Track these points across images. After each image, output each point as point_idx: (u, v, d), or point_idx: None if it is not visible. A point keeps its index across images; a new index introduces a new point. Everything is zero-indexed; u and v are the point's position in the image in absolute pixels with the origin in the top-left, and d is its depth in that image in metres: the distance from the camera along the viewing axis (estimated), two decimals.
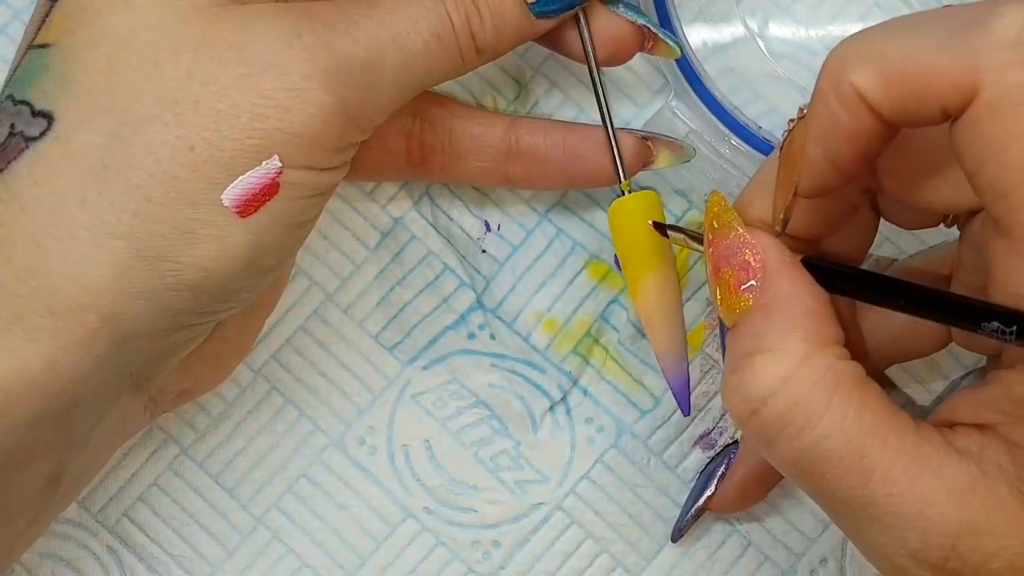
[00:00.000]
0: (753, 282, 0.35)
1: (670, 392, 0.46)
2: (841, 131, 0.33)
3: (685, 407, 0.44)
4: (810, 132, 0.34)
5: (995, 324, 0.32)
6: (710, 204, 0.37)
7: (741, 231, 0.36)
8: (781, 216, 0.36)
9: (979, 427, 0.34)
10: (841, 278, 0.36)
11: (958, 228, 0.39)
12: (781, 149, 0.36)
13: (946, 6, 0.33)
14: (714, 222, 0.37)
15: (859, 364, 0.35)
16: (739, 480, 0.44)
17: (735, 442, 0.45)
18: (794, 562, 0.47)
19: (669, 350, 0.43)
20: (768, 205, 0.37)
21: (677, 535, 0.46)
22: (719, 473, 0.45)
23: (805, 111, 0.35)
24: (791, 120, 0.36)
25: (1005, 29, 0.30)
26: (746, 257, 0.36)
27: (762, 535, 0.47)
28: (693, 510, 0.45)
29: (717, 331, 0.47)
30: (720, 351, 0.47)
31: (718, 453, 0.46)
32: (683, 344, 0.44)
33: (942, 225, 0.39)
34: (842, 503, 0.34)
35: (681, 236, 0.40)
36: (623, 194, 0.43)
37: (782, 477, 0.44)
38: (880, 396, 0.34)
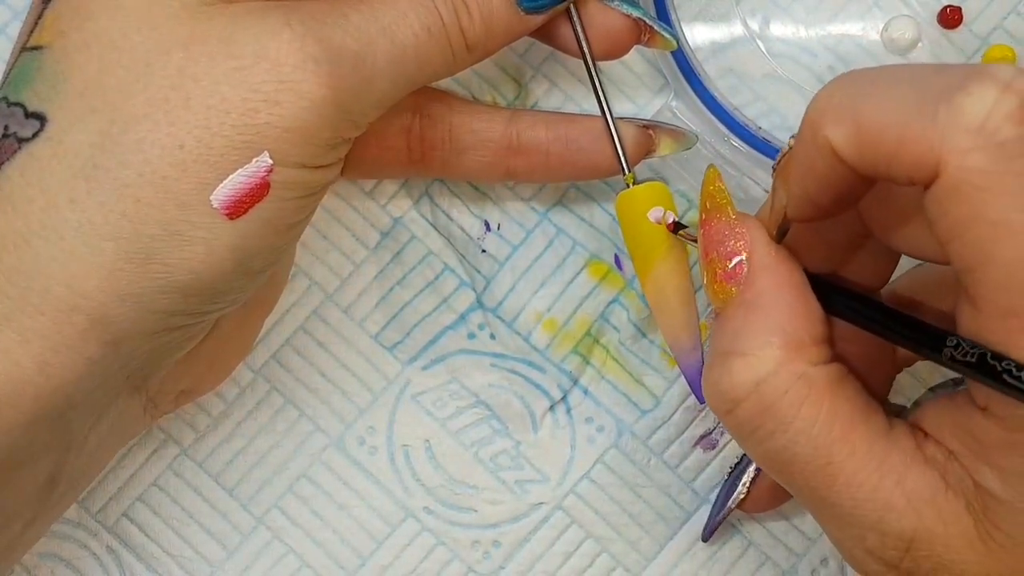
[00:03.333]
0: (740, 271, 0.36)
1: (670, 392, 0.47)
2: (818, 177, 0.34)
3: (699, 393, 0.44)
4: (792, 171, 0.35)
5: (956, 352, 0.32)
6: (706, 179, 0.37)
7: (733, 217, 0.36)
8: (776, 227, 0.37)
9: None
10: (838, 296, 0.36)
11: None
12: (774, 170, 0.36)
13: (925, 65, 0.33)
14: (707, 202, 0.37)
15: (838, 365, 0.35)
16: (772, 483, 0.44)
17: None
18: (795, 562, 0.47)
19: (681, 338, 0.43)
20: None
21: (708, 534, 0.46)
22: (750, 472, 0.44)
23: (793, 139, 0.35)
24: (784, 147, 0.36)
25: (971, 110, 0.30)
26: (734, 246, 0.36)
27: (763, 535, 0.47)
28: (725, 509, 0.45)
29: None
30: None
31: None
32: (696, 331, 0.43)
33: None
34: (808, 500, 0.35)
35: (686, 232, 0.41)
36: (628, 186, 0.43)
37: None
38: (854, 401, 0.35)
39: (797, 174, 0.34)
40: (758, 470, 0.44)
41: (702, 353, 0.43)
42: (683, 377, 0.44)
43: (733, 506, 0.45)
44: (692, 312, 0.43)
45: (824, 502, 0.34)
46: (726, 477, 0.45)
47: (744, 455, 0.45)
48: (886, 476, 0.33)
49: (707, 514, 0.46)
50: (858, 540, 0.34)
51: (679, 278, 0.43)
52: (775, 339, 0.35)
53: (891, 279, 0.40)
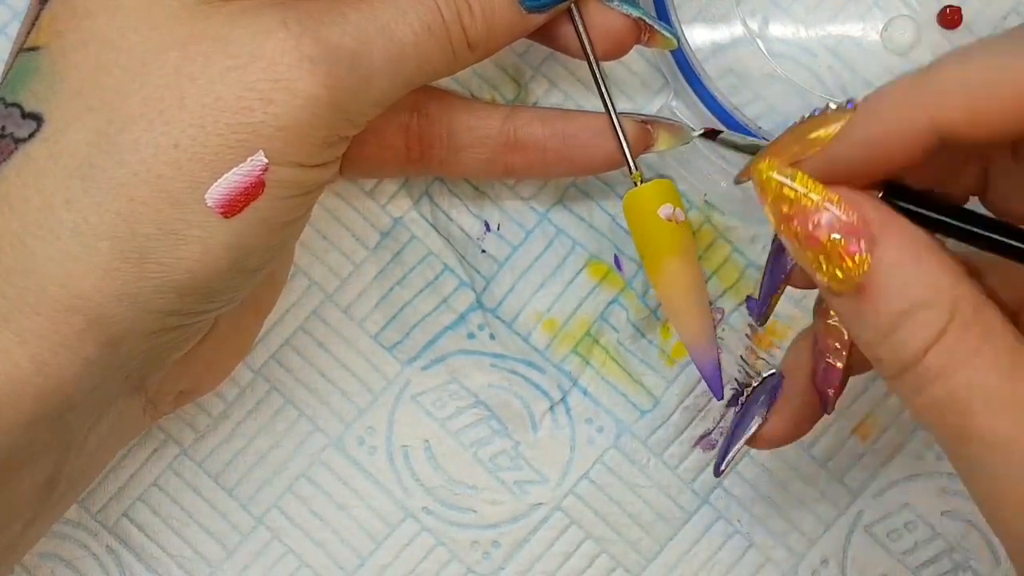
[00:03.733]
0: (864, 243, 0.33)
1: (669, 392, 0.47)
2: (886, 151, 0.33)
3: (718, 392, 0.43)
4: (843, 142, 0.33)
5: None
6: (763, 171, 0.34)
7: (825, 195, 0.34)
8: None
9: None
10: (928, 209, 0.35)
11: None
12: (799, 122, 0.35)
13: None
14: (784, 190, 0.34)
15: (994, 304, 0.33)
16: (792, 412, 0.41)
17: (773, 373, 0.41)
18: (795, 563, 0.47)
19: (697, 336, 0.43)
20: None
21: (720, 472, 0.42)
22: (763, 404, 0.41)
23: (838, 106, 0.34)
24: (835, 104, 0.34)
25: None
26: (845, 218, 0.33)
27: (763, 535, 0.47)
28: (740, 443, 0.41)
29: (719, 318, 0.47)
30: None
31: (756, 385, 0.41)
32: (711, 328, 0.43)
33: None
34: (992, 448, 0.32)
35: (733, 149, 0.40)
36: (635, 184, 0.43)
37: (824, 412, 0.42)
38: (1017, 334, 0.33)
39: (850, 145, 0.33)
40: (773, 396, 0.41)
41: (717, 350, 0.43)
42: (700, 373, 0.43)
43: (750, 437, 0.41)
44: (705, 308, 0.43)
45: (1007, 443, 0.32)
46: (738, 409, 0.42)
47: (753, 390, 0.42)
48: None
49: (708, 515, 0.46)
50: None
51: (690, 275, 0.42)
52: (944, 280, 0.33)
53: None
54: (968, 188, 0.38)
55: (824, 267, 0.33)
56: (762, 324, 0.42)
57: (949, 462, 0.34)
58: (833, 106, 0.34)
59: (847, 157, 0.34)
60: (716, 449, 0.43)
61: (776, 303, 0.40)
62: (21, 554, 0.41)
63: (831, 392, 0.40)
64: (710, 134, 0.41)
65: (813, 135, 0.34)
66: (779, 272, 0.39)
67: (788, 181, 0.34)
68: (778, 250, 0.40)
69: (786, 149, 0.34)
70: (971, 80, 0.32)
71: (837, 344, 0.38)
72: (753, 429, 0.41)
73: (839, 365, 0.39)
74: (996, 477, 0.32)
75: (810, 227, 0.33)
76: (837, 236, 0.33)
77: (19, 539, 0.39)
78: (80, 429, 0.38)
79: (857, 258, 0.33)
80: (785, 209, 0.34)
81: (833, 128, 0.34)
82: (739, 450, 0.41)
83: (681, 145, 0.44)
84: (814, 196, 0.33)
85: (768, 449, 0.42)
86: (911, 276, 0.33)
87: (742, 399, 0.42)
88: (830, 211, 0.33)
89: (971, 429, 0.32)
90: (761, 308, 0.40)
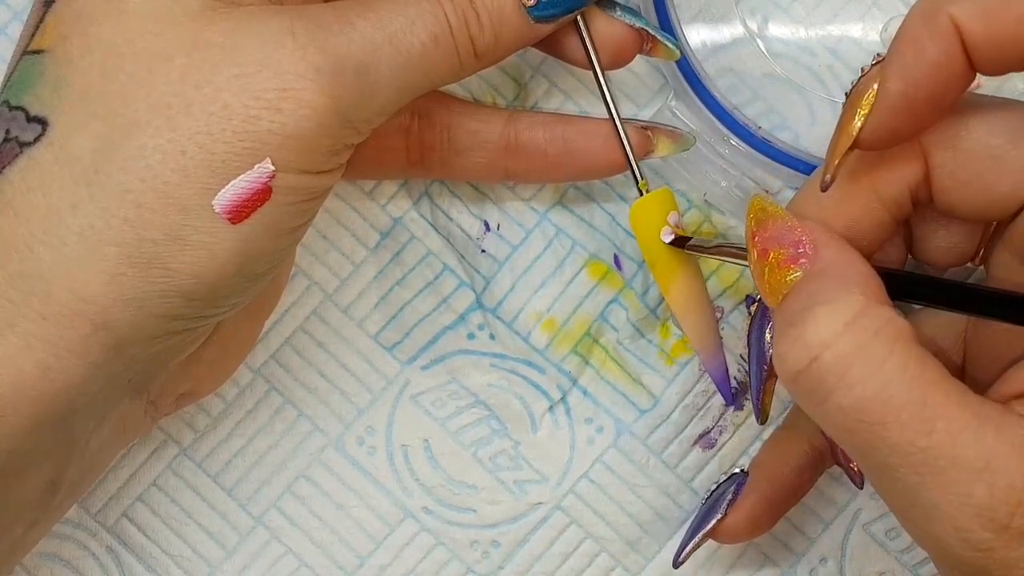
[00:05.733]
0: (804, 260, 0.35)
1: (668, 391, 0.47)
2: (926, 65, 0.33)
3: (728, 396, 0.45)
4: (891, 67, 0.34)
5: None
6: (753, 205, 0.37)
7: (788, 220, 0.36)
8: (835, 164, 0.36)
9: None
10: (906, 283, 0.36)
11: (984, 268, 0.39)
12: (847, 96, 0.36)
13: None
14: (759, 215, 0.37)
15: (911, 325, 0.34)
16: (750, 508, 0.43)
17: (743, 471, 0.44)
18: (794, 561, 0.47)
19: (706, 343, 0.44)
20: (819, 210, 0.37)
21: (678, 562, 0.44)
22: (727, 499, 0.43)
23: (881, 57, 0.35)
24: (863, 68, 0.35)
25: None
26: (797, 236, 0.35)
27: (763, 535, 0.47)
28: (698, 537, 0.43)
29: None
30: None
31: (725, 480, 0.44)
32: (717, 334, 0.44)
33: (968, 266, 0.40)
34: (902, 458, 0.32)
35: (705, 252, 0.42)
36: (641, 193, 0.43)
37: (794, 503, 0.44)
38: (935, 359, 0.33)
39: (898, 68, 0.34)
40: (736, 493, 0.43)
41: (724, 355, 0.44)
42: (711, 379, 0.45)
43: (708, 531, 0.43)
44: (712, 316, 0.44)
45: (922, 456, 0.32)
46: (704, 500, 0.44)
47: (720, 484, 0.44)
48: (985, 424, 0.32)
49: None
50: (964, 500, 0.32)
51: (698, 284, 0.44)
52: (857, 289, 0.34)
53: None
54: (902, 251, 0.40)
55: (765, 276, 0.36)
56: (763, 421, 0.43)
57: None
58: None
59: (902, 85, 0.34)
60: (684, 534, 0.44)
61: (772, 393, 0.42)
62: (21, 557, 0.41)
63: (854, 467, 0.43)
64: (677, 242, 0.43)
65: (862, 100, 0.35)
66: (761, 357, 0.41)
67: (769, 203, 0.37)
68: (711, 504, 0.43)
69: (847, 125, 0.36)
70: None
71: None
72: (713, 523, 0.43)
73: None
74: (910, 487, 0.33)
75: (765, 238, 0.36)
76: (782, 248, 0.35)
77: (20, 542, 0.39)
78: (83, 433, 0.38)
79: (790, 270, 0.35)
80: (753, 227, 0.36)
81: (873, 88, 0.35)
82: (698, 542, 0.43)
83: (681, 151, 0.44)
84: (781, 217, 0.36)
85: (729, 544, 0.45)
86: (824, 282, 0.34)
87: (705, 497, 0.44)
88: (786, 227, 0.36)
89: (881, 440, 0.32)
90: (757, 402, 0.42)
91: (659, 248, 0.43)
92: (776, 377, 0.41)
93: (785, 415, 0.47)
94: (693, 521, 0.44)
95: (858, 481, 0.43)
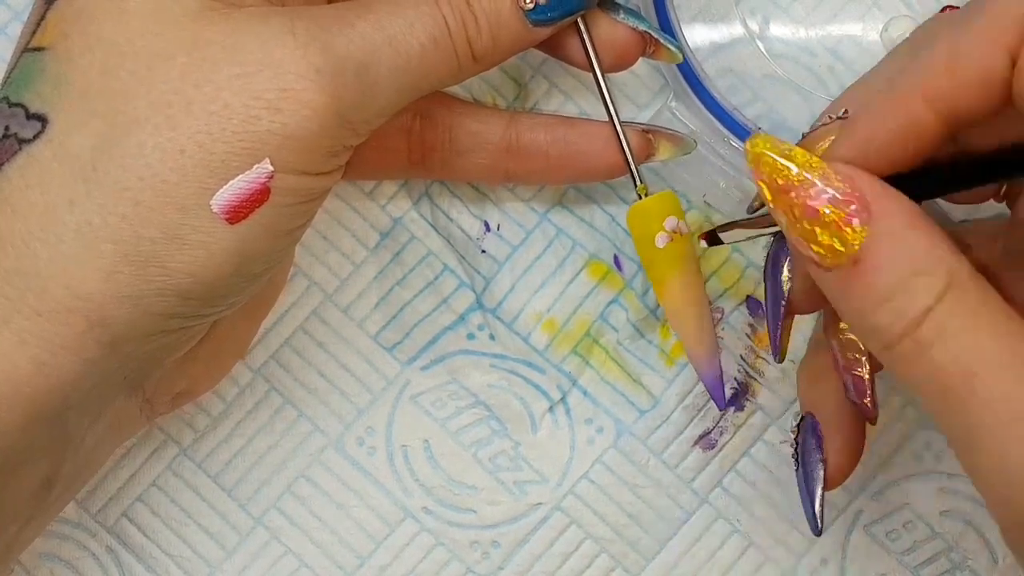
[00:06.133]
0: (860, 215, 0.33)
1: (668, 391, 0.47)
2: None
3: (720, 401, 0.44)
4: (873, 120, 0.34)
5: None
6: (759, 147, 0.34)
7: (815, 162, 0.34)
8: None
9: None
10: (922, 183, 0.35)
11: (1008, 206, 0.39)
12: (804, 137, 0.36)
13: None
14: (778, 164, 0.34)
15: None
16: (843, 440, 0.40)
17: (803, 418, 0.41)
18: (794, 562, 0.47)
19: (700, 348, 0.44)
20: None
21: (820, 529, 0.41)
22: (814, 448, 0.40)
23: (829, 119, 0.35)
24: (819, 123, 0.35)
25: None
26: (840, 189, 0.34)
27: (763, 535, 0.47)
28: (819, 495, 0.41)
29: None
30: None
31: (795, 436, 0.41)
32: (713, 340, 0.44)
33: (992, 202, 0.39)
34: (991, 411, 0.32)
35: (738, 231, 0.40)
36: (640, 198, 0.43)
37: (865, 414, 0.41)
38: (1012, 310, 0.33)
39: (881, 123, 0.34)
40: (817, 437, 0.40)
41: (719, 360, 0.44)
42: (703, 385, 0.44)
43: (824, 483, 0.40)
44: (708, 322, 0.44)
45: (1011, 403, 0.32)
46: (795, 462, 0.41)
47: (795, 439, 0.41)
48: None
49: (707, 515, 0.46)
50: None
51: (694, 290, 0.43)
52: (939, 249, 0.33)
53: None
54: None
55: (820, 238, 0.34)
56: (780, 360, 0.41)
57: (942, 433, 0.35)
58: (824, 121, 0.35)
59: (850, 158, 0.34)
60: (807, 499, 0.41)
61: (789, 331, 0.41)
62: (17, 554, 0.41)
63: (867, 402, 0.40)
64: (711, 241, 0.41)
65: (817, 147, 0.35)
66: (778, 295, 0.40)
67: (783, 160, 0.34)
68: (773, 271, 0.40)
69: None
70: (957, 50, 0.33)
71: (857, 355, 0.39)
72: (822, 474, 0.40)
73: (864, 374, 0.39)
74: (996, 438, 0.32)
75: (808, 199, 0.34)
76: (831, 208, 0.34)
77: (15, 540, 0.39)
78: (78, 430, 0.38)
79: (856, 227, 0.33)
80: (780, 181, 0.34)
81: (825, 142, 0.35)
82: (822, 499, 0.41)
83: (682, 155, 0.44)
84: (813, 169, 0.34)
85: (842, 484, 0.42)
86: (908, 245, 0.33)
87: (792, 454, 0.41)
88: (828, 183, 0.34)
89: (972, 390, 0.32)
90: (775, 340, 0.41)
91: (654, 253, 0.43)
92: (793, 316, 0.40)
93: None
94: (801, 486, 0.41)
95: (871, 416, 0.41)
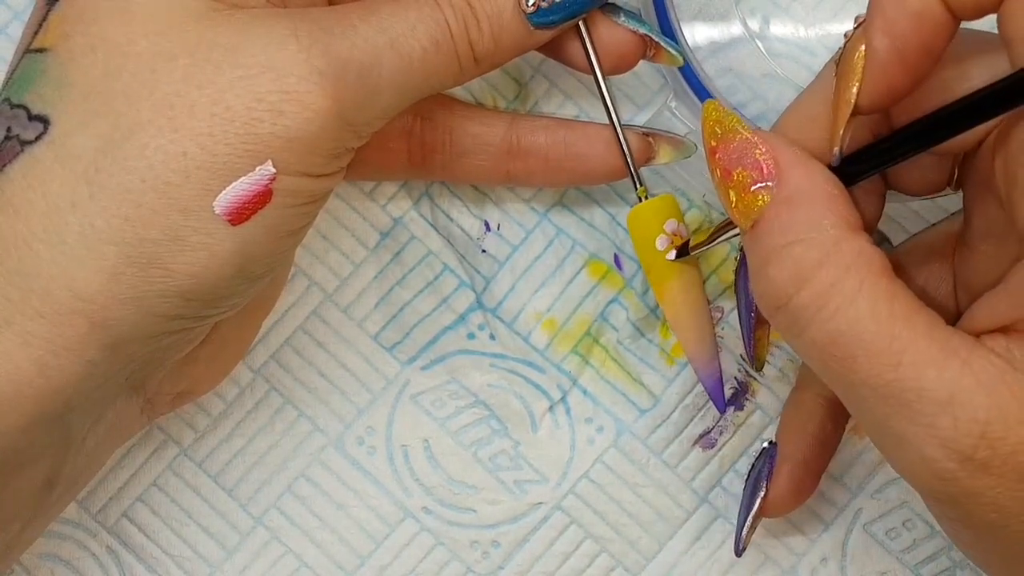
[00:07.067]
0: (769, 182, 0.35)
1: (668, 391, 0.47)
2: (909, 16, 0.33)
3: (720, 404, 0.45)
4: (874, 25, 0.34)
5: None
6: (706, 112, 0.37)
7: (747, 134, 0.36)
8: (840, 136, 0.35)
9: (1003, 330, 0.34)
10: (857, 163, 0.36)
11: (961, 191, 0.39)
12: (837, 65, 0.36)
13: None
14: (716, 128, 0.36)
15: (884, 254, 0.34)
16: (788, 476, 0.43)
17: (771, 443, 0.43)
18: (795, 562, 0.47)
19: (700, 350, 0.44)
20: (807, 132, 0.37)
21: (740, 550, 0.43)
22: (765, 475, 0.43)
23: (863, 18, 0.35)
24: (846, 33, 0.35)
25: None
26: (757, 156, 0.35)
27: (763, 534, 0.47)
28: (750, 519, 0.43)
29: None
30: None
31: (757, 457, 0.44)
32: (713, 343, 0.44)
33: (947, 191, 0.40)
34: (872, 390, 0.33)
35: (707, 245, 0.41)
36: (640, 200, 0.43)
37: (829, 457, 0.44)
38: (907, 289, 0.34)
39: (882, 23, 0.34)
40: (771, 466, 0.43)
41: (719, 363, 0.44)
42: (703, 388, 0.45)
43: (757, 510, 0.43)
44: (708, 324, 0.44)
45: (889, 388, 0.33)
46: (745, 482, 0.44)
47: (754, 463, 0.44)
48: (951, 357, 0.33)
49: (707, 515, 0.46)
50: (929, 432, 0.33)
51: (694, 292, 0.44)
52: (827, 221, 0.34)
53: None
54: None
55: (731, 199, 0.36)
56: (759, 368, 0.43)
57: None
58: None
59: (889, 40, 0.34)
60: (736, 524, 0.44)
61: (766, 339, 0.43)
62: (18, 554, 0.41)
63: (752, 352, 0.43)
64: (681, 253, 0.43)
65: (853, 64, 0.35)
66: (749, 303, 0.42)
67: (718, 125, 0.36)
68: (752, 484, 0.43)
69: (844, 93, 0.35)
70: None
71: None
72: (759, 502, 0.43)
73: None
74: (880, 419, 0.34)
75: (725, 163, 0.36)
76: (739, 171, 0.35)
77: (16, 540, 0.39)
78: (79, 430, 0.38)
79: (757, 193, 0.35)
80: (713, 143, 0.36)
81: (860, 51, 0.35)
82: (752, 525, 0.43)
83: (682, 159, 0.44)
84: (739, 131, 0.36)
85: (778, 516, 0.44)
86: (794, 214, 0.34)
87: (745, 479, 0.44)
88: (745, 144, 0.35)
89: (854, 374, 0.33)
90: (749, 349, 0.43)
91: (654, 256, 0.43)
92: (768, 324, 0.42)
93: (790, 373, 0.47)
94: (741, 505, 0.44)
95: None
